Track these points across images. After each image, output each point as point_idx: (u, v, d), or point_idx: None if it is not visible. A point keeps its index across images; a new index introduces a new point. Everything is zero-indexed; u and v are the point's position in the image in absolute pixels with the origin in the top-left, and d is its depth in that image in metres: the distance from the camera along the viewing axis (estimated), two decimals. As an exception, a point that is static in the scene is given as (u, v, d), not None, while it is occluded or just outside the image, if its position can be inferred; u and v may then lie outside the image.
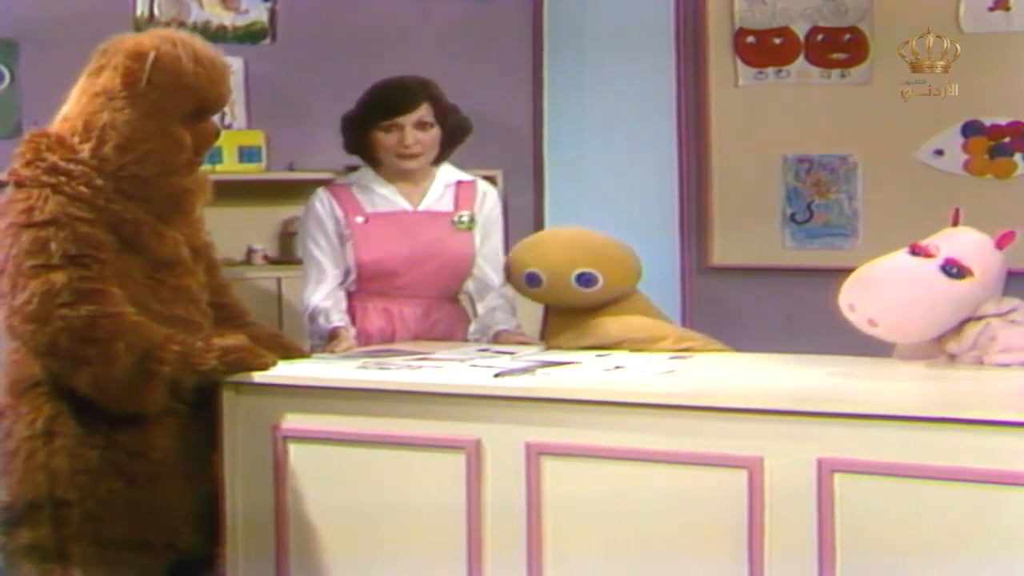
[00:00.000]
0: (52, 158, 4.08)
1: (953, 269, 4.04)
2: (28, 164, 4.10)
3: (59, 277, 3.99)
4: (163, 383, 4.03)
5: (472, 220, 4.92)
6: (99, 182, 4.09)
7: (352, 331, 4.76)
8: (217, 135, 4.32)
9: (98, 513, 4.07)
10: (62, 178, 4.07)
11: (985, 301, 4.07)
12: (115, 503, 4.08)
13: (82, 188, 4.07)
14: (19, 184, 4.11)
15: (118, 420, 4.07)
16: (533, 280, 4.69)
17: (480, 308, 4.97)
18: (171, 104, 4.12)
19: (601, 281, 4.63)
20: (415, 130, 4.82)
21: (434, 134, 4.87)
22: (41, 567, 4.12)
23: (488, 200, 4.98)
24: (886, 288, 4.07)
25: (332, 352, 4.60)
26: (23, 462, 4.11)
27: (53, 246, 4.00)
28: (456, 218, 4.91)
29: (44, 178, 4.06)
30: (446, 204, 4.92)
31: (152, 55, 4.09)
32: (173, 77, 4.12)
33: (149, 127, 4.11)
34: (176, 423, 4.12)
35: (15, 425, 4.14)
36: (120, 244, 4.11)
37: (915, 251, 4.10)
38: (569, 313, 4.73)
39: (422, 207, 4.90)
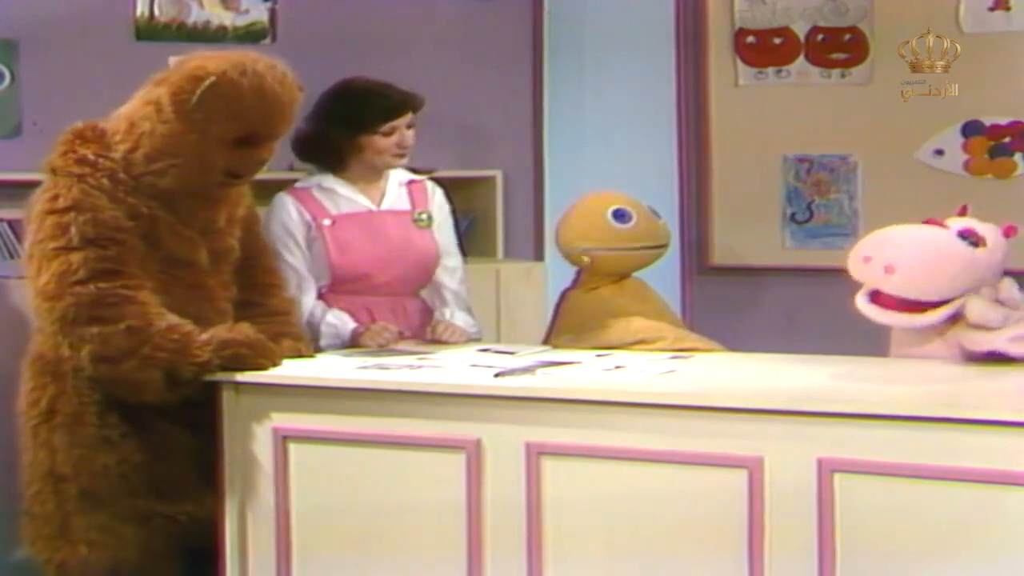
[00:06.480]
0: (83, 151, 4.23)
1: (969, 237, 4.16)
2: (63, 155, 4.25)
3: (76, 257, 4.11)
4: (159, 371, 4.08)
5: (430, 218, 4.96)
6: (121, 176, 4.22)
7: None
8: (263, 162, 4.37)
9: (94, 488, 4.20)
10: (87, 169, 4.21)
11: (987, 283, 4.13)
12: (109, 478, 4.19)
13: (104, 180, 4.20)
14: (52, 173, 4.26)
15: (116, 399, 4.17)
16: (622, 216, 4.86)
17: (437, 305, 4.97)
18: (216, 128, 4.19)
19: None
20: (407, 130, 4.86)
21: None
22: (50, 544, 4.26)
23: (438, 198, 5.02)
24: (907, 242, 4.17)
25: (380, 346, 4.62)
26: (31, 441, 4.28)
27: (73, 230, 4.14)
28: (416, 216, 4.94)
29: (72, 168, 4.21)
30: (403, 203, 4.95)
31: (209, 81, 4.14)
32: (225, 104, 4.18)
33: (183, 145, 4.20)
34: (177, 401, 4.16)
35: (25, 404, 4.30)
36: (139, 234, 4.20)
37: (928, 223, 4.21)
38: (574, 314, 4.76)
39: (384, 206, 4.93)
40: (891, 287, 4.12)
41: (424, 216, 4.95)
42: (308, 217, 4.84)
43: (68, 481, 4.21)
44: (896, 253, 4.13)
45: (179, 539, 4.23)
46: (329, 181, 4.90)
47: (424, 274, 4.95)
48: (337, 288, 4.85)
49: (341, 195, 4.89)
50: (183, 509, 4.20)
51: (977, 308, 4.10)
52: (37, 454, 4.25)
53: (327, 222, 4.84)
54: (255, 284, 4.48)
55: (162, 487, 4.20)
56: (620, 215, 4.86)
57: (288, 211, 4.85)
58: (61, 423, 4.22)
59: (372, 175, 4.91)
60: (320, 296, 4.85)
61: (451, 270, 4.99)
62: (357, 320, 4.77)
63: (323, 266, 4.83)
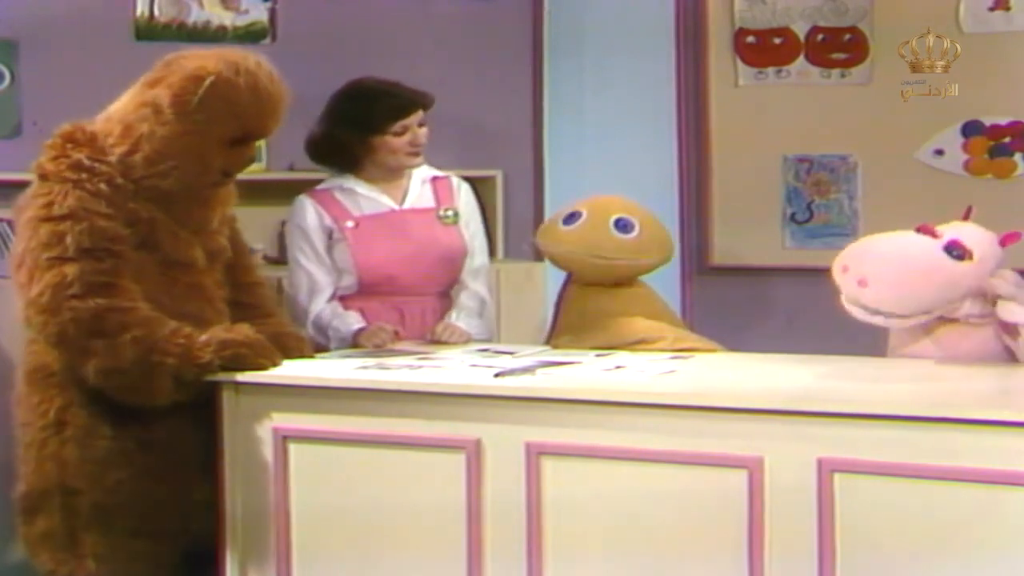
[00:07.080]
0: (77, 155, 4.16)
1: (955, 251, 4.09)
2: (54, 159, 4.18)
3: (71, 269, 4.05)
4: (168, 376, 4.06)
5: (456, 214, 4.95)
6: (120, 181, 4.16)
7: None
8: (251, 161, 4.37)
9: (106, 503, 4.15)
10: (84, 175, 4.14)
11: (972, 294, 4.11)
12: (122, 493, 4.15)
13: (102, 185, 4.14)
14: (43, 178, 4.18)
15: (127, 410, 4.13)
16: (572, 217, 4.77)
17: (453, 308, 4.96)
18: (214, 128, 4.18)
19: (637, 228, 4.73)
20: (419, 128, 4.86)
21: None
22: (55, 556, 4.21)
23: (464, 193, 5.01)
24: (886, 254, 4.11)
25: (377, 346, 4.62)
26: (36, 451, 4.21)
27: (68, 239, 4.07)
28: (441, 213, 4.94)
29: (67, 174, 4.14)
30: (427, 200, 4.95)
31: (209, 80, 4.13)
32: (224, 104, 4.16)
33: (183, 146, 4.17)
34: (188, 414, 4.15)
35: (29, 415, 4.23)
36: (137, 240, 4.17)
37: (920, 231, 4.15)
38: (573, 314, 4.76)
39: (407, 205, 4.92)
40: (866, 300, 4.10)
41: (450, 213, 4.94)
42: (329, 220, 4.84)
43: (79, 495, 4.15)
44: (871, 267, 4.08)
45: (187, 547, 4.21)
46: (350, 182, 4.90)
47: (451, 271, 4.94)
48: (365, 290, 4.84)
49: (362, 195, 4.88)
50: (194, 521, 4.18)
51: (1003, 284, 4.09)
52: (43, 465, 4.19)
53: (350, 224, 4.83)
54: (239, 284, 4.47)
55: (174, 497, 4.17)
56: (569, 217, 4.81)
57: (307, 215, 4.84)
58: (72, 436, 4.16)
59: (390, 175, 4.90)
60: (349, 298, 4.83)
61: (472, 270, 4.97)
62: (393, 320, 4.76)
63: (349, 269, 4.82)
